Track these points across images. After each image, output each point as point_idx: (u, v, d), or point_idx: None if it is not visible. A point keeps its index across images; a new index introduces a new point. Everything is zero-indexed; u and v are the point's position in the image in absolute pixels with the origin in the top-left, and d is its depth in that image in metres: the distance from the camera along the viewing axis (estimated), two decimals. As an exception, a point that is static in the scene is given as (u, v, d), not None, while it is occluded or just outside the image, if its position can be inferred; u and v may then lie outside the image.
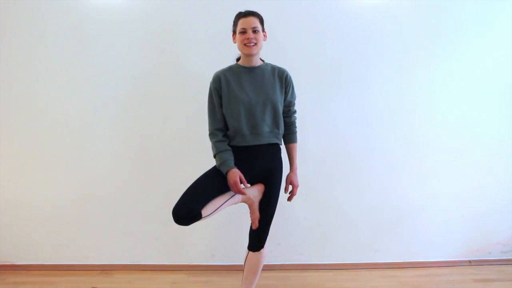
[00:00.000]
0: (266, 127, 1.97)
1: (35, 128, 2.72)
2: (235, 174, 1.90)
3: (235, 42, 2.01)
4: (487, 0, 2.73)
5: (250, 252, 2.08)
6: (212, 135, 2.01)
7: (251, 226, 2.05)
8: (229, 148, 1.98)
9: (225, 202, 1.93)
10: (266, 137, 1.98)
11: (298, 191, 2.65)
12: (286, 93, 2.04)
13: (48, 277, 2.68)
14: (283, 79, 2.02)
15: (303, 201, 2.80)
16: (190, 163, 2.63)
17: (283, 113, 2.06)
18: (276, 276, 2.72)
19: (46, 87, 2.69)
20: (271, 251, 2.74)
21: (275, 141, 2.02)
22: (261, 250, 2.07)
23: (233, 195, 1.95)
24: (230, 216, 2.64)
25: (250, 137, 1.97)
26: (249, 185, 2.00)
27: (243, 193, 1.91)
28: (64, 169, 2.74)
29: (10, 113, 2.71)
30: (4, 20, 2.65)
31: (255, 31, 1.94)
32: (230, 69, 2.04)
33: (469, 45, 2.77)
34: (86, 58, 2.68)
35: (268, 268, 2.76)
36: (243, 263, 2.15)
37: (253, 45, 1.93)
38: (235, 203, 1.99)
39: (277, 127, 2.01)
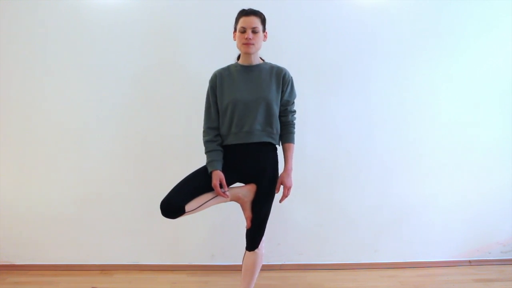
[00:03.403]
0: (258, 125, 1.97)
1: (35, 128, 2.72)
2: (215, 177, 1.93)
3: (235, 40, 2.01)
4: (487, 0, 2.73)
5: (247, 252, 2.09)
6: (204, 133, 2.04)
7: None
8: (219, 148, 2.00)
9: (210, 199, 1.95)
10: (258, 136, 1.97)
11: (298, 191, 2.65)
12: (283, 92, 2.02)
13: (48, 277, 2.68)
14: (280, 78, 2.00)
15: (303, 201, 2.80)
16: (190, 163, 2.62)
17: (280, 112, 2.04)
18: (276, 276, 2.72)
19: (46, 87, 2.70)
20: (271, 251, 2.73)
21: (267, 140, 2.00)
22: (256, 250, 2.07)
23: None
24: (230, 216, 2.63)
25: (241, 135, 1.97)
26: (238, 185, 2.02)
27: (222, 196, 1.94)
28: (64, 169, 2.74)
29: (10, 113, 2.71)
30: (4, 20, 2.65)
31: (254, 31, 1.94)
32: (228, 68, 2.05)
33: (469, 46, 2.77)
34: (86, 58, 2.68)
35: (268, 268, 2.76)
36: (242, 263, 2.16)
37: (251, 45, 1.94)
38: (224, 202, 2.01)
39: (270, 126, 2.00)
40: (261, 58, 2.07)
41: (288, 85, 2.03)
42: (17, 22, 2.65)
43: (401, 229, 2.87)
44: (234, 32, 2.02)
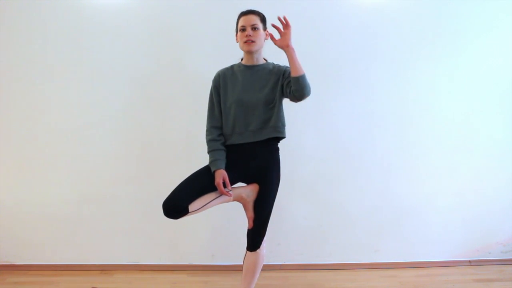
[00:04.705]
0: (263, 124, 1.97)
1: (35, 128, 2.72)
2: (219, 176, 1.92)
3: (237, 42, 2.03)
4: (487, 0, 2.73)
5: (248, 252, 2.10)
6: (208, 132, 2.04)
7: None
8: (222, 147, 2.00)
9: (213, 199, 1.94)
10: (264, 134, 1.97)
11: (298, 191, 2.67)
12: (284, 76, 1.97)
13: (48, 277, 2.68)
14: (280, 72, 1.99)
15: (303, 201, 2.80)
16: (190, 163, 2.62)
17: (290, 83, 1.92)
18: (276, 276, 2.72)
19: (46, 87, 2.70)
20: (271, 251, 2.73)
21: (275, 135, 1.98)
22: (258, 250, 2.07)
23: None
24: (230, 216, 2.64)
25: (247, 134, 1.97)
26: (241, 184, 2.02)
27: (226, 195, 1.94)
28: (64, 169, 2.74)
29: (10, 113, 2.71)
30: (5, 21, 2.65)
31: (254, 28, 1.95)
32: (231, 67, 2.07)
33: (469, 46, 2.77)
34: (87, 58, 2.68)
35: (268, 268, 2.76)
36: (242, 263, 2.15)
37: (252, 43, 1.95)
38: (227, 201, 2.00)
39: (275, 121, 1.97)
40: (264, 59, 2.09)
41: (286, 68, 1.99)
42: (18, 22, 2.65)
43: (401, 229, 2.87)
44: (236, 35, 2.04)
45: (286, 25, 1.81)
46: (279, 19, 1.80)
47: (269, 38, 1.98)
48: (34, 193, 2.75)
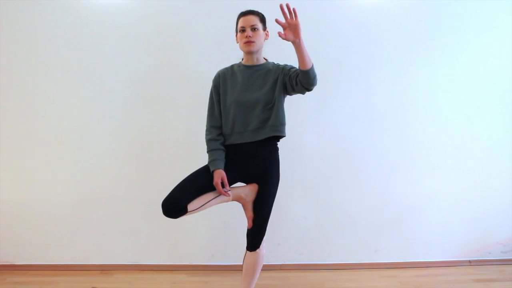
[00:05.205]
0: (262, 123, 1.97)
1: (35, 128, 2.72)
2: (217, 176, 1.93)
3: (238, 42, 2.03)
4: (487, 0, 2.73)
5: (248, 252, 2.10)
6: (207, 131, 2.05)
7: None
8: (221, 147, 2.00)
9: (212, 199, 1.95)
10: (263, 133, 1.97)
11: (298, 191, 2.65)
12: (284, 72, 1.97)
13: (48, 277, 2.69)
14: (279, 70, 1.99)
15: (303, 201, 2.80)
16: (190, 163, 2.62)
17: (293, 75, 1.91)
18: (276, 276, 2.72)
19: (46, 87, 2.70)
20: (271, 251, 2.73)
21: (274, 134, 1.97)
22: (257, 250, 2.08)
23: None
24: (230, 216, 2.63)
25: (246, 134, 1.98)
26: (240, 184, 2.03)
27: (224, 194, 1.94)
28: (64, 169, 2.74)
29: (10, 113, 2.71)
30: (4, 21, 2.65)
31: (254, 29, 1.95)
32: (232, 67, 2.08)
33: (469, 45, 2.77)
34: (87, 58, 2.69)
35: (268, 268, 2.76)
36: (242, 263, 2.15)
37: (252, 43, 1.95)
38: (226, 201, 2.00)
39: (275, 120, 1.97)
40: (264, 58, 2.09)
41: (284, 66, 2.00)
42: (17, 22, 2.65)
43: (401, 229, 2.87)
44: (236, 35, 2.04)
45: (295, 15, 1.71)
46: (282, 8, 1.70)
47: (269, 37, 2.00)
48: (34, 193, 2.75)
